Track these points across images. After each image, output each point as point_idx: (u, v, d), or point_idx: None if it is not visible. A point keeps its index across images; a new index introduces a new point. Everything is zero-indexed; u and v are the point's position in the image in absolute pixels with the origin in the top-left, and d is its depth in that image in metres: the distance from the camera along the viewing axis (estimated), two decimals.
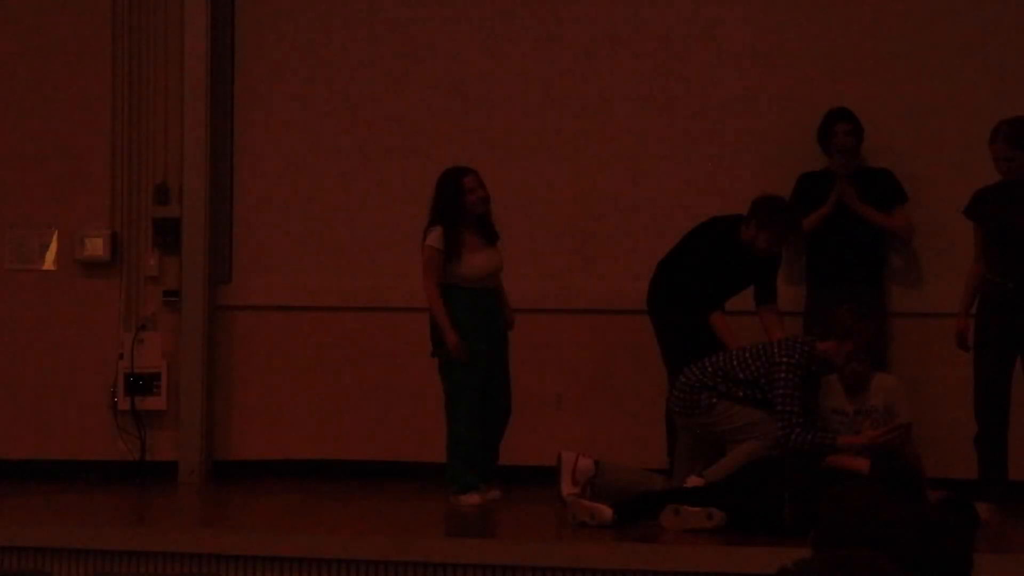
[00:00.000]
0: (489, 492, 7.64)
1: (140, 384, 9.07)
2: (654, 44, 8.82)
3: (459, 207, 7.57)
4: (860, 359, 7.09)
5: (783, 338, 7.31)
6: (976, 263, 7.43)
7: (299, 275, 9.08)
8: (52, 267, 9.23)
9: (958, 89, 8.51)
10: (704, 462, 7.12)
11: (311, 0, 9.12)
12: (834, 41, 8.64)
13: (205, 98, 9.04)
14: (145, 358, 9.09)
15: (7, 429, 9.14)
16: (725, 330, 7.67)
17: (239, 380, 9.13)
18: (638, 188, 8.77)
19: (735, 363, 7.15)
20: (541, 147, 8.86)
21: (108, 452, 9.10)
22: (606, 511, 6.70)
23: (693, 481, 6.96)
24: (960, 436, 7.53)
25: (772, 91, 8.68)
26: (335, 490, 8.44)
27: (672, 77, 8.80)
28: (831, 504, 3.21)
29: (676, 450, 7.51)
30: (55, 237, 9.21)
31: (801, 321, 8.13)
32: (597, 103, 8.83)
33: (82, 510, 7.77)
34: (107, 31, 9.17)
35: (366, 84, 9.09)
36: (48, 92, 9.21)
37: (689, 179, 8.72)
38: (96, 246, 9.12)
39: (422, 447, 8.82)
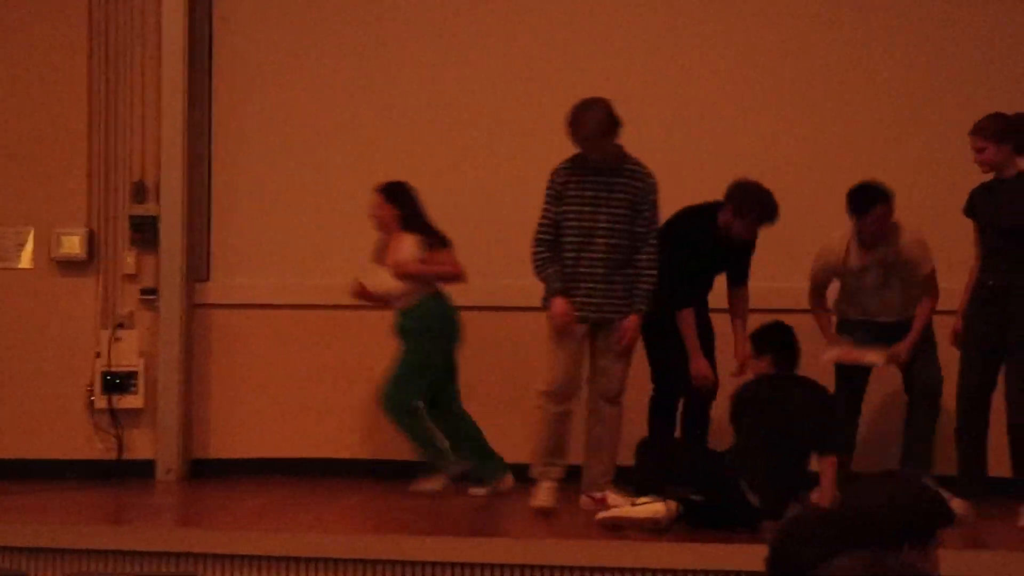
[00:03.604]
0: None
1: (117, 383, 9.05)
2: (650, 42, 8.84)
3: (422, 215, 7.91)
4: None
5: None
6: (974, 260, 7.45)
7: (277, 273, 9.06)
8: (29, 266, 9.19)
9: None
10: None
11: None
12: (838, 42, 8.67)
13: (182, 96, 9.01)
14: (122, 356, 9.06)
15: None
16: (690, 329, 7.69)
17: (217, 378, 9.11)
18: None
19: None
20: (524, 145, 8.84)
21: (85, 451, 9.07)
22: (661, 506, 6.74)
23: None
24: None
25: (771, 90, 8.69)
26: (313, 488, 8.43)
27: (671, 75, 8.81)
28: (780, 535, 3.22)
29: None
30: (31, 235, 9.17)
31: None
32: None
33: (59, 509, 7.72)
34: (84, 29, 9.13)
35: (345, 82, 9.07)
36: (24, 90, 9.17)
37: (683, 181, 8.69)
38: (73, 244, 9.09)
39: (402, 445, 8.82)
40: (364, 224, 8.96)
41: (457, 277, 7.99)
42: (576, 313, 7.40)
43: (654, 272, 7.44)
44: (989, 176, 7.35)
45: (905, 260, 7.62)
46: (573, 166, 7.45)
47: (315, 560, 6.48)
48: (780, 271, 8.32)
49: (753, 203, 7.64)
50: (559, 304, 7.38)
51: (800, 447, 7.12)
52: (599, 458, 7.51)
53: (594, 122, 7.26)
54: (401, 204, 8.02)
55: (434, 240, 7.97)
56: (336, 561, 6.47)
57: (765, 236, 7.94)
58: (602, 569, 6.28)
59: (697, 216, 7.80)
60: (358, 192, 9.01)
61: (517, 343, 8.60)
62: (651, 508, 6.71)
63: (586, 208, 7.38)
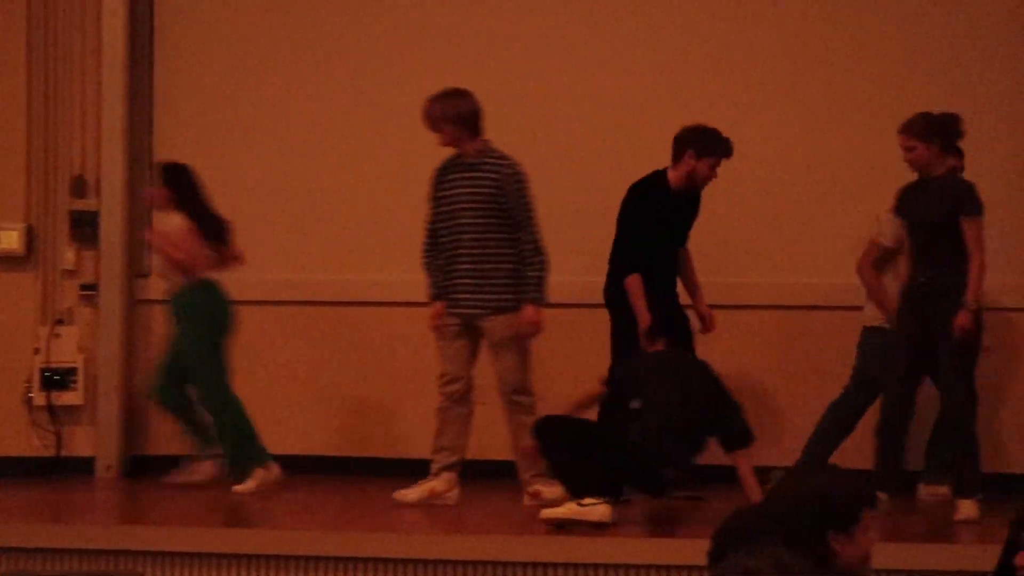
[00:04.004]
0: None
1: (56, 379, 8.98)
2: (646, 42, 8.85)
3: (199, 199, 8.05)
4: None
5: None
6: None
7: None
8: None
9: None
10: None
11: None
12: (835, 39, 8.71)
13: (123, 89, 8.95)
14: (61, 353, 8.99)
15: None
16: (638, 294, 7.64)
17: None
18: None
19: None
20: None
21: (23, 448, 8.99)
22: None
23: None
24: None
25: (769, 90, 8.73)
26: None
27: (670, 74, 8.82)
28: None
29: None
30: None
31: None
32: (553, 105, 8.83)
33: None
34: (23, 22, 9.04)
35: (290, 75, 9.03)
36: None
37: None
38: (11, 239, 9.01)
39: (341, 440, 8.82)
40: (306, 218, 8.96)
41: (192, 269, 7.92)
42: (451, 311, 7.50)
43: (537, 259, 7.44)
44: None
45: None
46: (443, 166, 7.58)
47: (255, 557, 6.46)
48: (781, 268, 8.54)
49: (712, 140, 7.70)
50: (432, 308, 7.55)
51: (700, 425, 7.17)
52: (516, 455, 7.56)
53: (439, 107, 7.43)
54: (176, 186, 8.01)
55: (208, 226, 7.95)
56: (276, 558, 6.45)
57: (767, 234, 8.14)
58: (555, 565, 6.33)
59: (643, 185, 7.81)
60: (301, 186, 9.00)
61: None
62: (599, 511, 6.72)
63: (453, 206, 7.49)
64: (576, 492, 6.84)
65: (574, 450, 7.01)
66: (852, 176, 8.56)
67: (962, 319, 7.10)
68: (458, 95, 7.49)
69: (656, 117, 8.57)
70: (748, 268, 8.63)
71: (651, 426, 7.01)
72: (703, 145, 7.70)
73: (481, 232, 7.42)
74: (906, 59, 8.65)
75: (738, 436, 7.21)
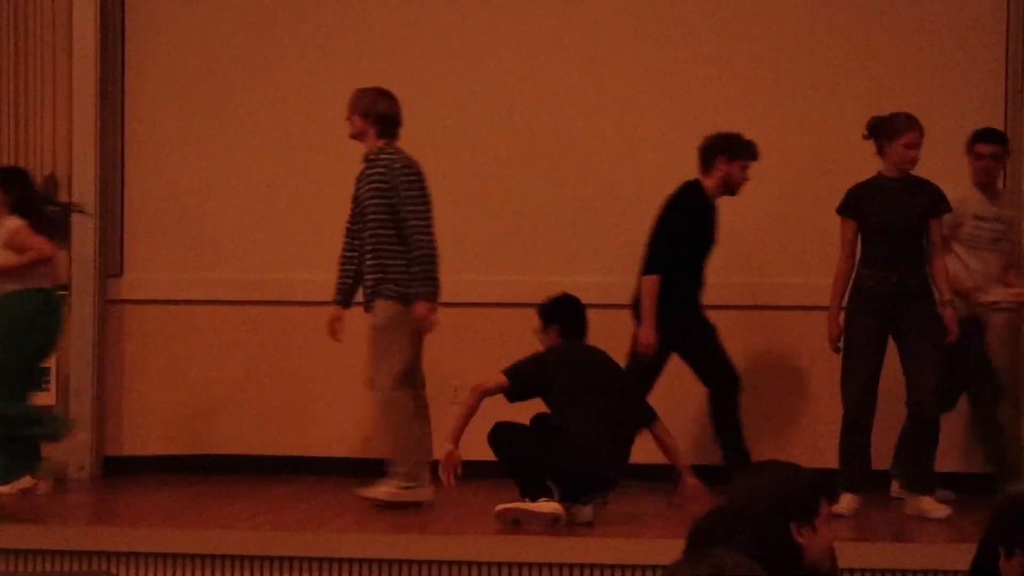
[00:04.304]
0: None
1: None
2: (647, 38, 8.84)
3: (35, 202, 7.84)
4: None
5: None
6: (843, 262, 7.50)
7: (190, 269, 9.00)
8: None
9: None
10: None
11: None
12: (837, 40, 8.72)
13: (95, 87, 8.91)
14: None
15: None
16: (650, 297, 7.71)
17: (130, 375, 9.02)
18: (625, 183, 8.74)
19: None
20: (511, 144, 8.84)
21: None
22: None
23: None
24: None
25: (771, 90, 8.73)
26: (228, 486, 8.38)
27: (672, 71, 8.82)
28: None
29: None
30: None
31: None
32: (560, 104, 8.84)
33: None
34: None
35: (261, 75, 9.02)
36: None
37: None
38: None
39: (317, 440, 8.81)
40: (278, 218, 8.95)
41: (48, 260, 7.76)
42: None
43: (421, 252, 7.44)
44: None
45: None
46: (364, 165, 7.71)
47: (228, 557, 6.46)
48: (784, 268, 8.57)
49: (739, 143, 7.83)
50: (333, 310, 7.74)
51: (619, 414, 7.19)
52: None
53: (356, 96, 7.60)
54: (8, 189, 7.86)
55: (45, 228, 7.83)
56: (248, 558, 6.45)
57: (773, 232, 8.26)
58: (508, 565, 6.35)
59: (680, 196, 7.85)
60: (273, 186, 8.98)
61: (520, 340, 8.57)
62: (551, 505, 6.84)
63: (359, 204, 7.60)
64: (533, 495, 6.91)
65: (527, 455, 7.02)
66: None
67: (952, 316, 7.30)
68: (380, 93, 7.63)
69: (654, 117, 8.66)
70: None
71: (577, 423, 7.04)
72: (732, 149, 7.81)
73: (377, 227, 7.49)
74: (907, 58, 8.69)
75: (649, 409, 7.29)
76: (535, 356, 7.37)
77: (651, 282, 7.76)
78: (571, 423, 7.03)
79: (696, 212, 7.86)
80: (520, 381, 7.19)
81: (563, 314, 7.49)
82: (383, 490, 7.36)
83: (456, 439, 7.04)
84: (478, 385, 7.17)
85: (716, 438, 7.93)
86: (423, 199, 7.48)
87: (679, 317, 7.79)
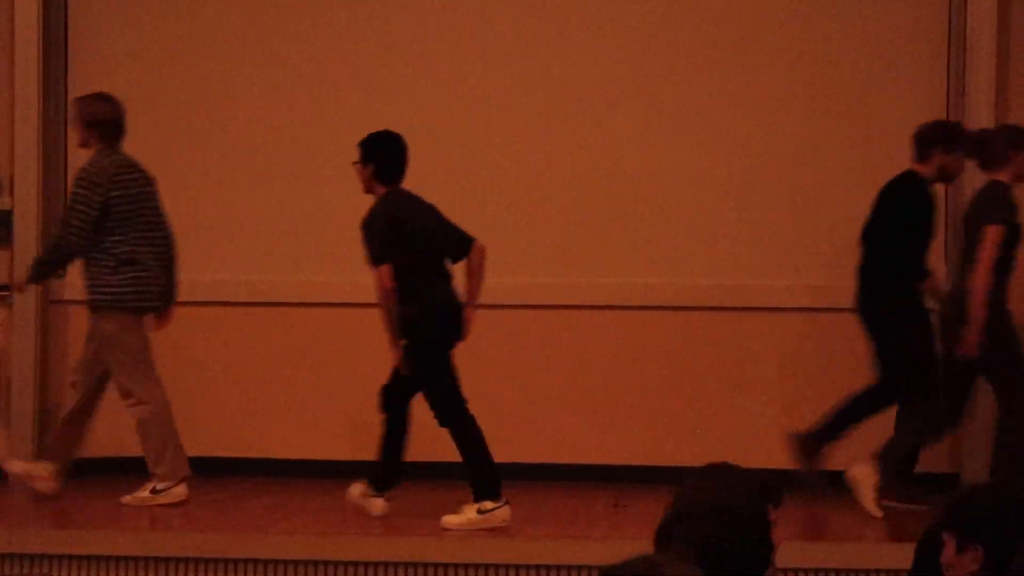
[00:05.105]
0: None
1: None
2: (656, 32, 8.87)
3: None
4: None
5: None
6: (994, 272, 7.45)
7: None
8: None
9: None
10: None
11: None
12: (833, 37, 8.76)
13: (37, 87, 8.87)
14: None
15: None
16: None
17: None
18: (642, 183, 8.76)
19: None
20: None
21: None
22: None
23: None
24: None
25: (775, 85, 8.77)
26: None
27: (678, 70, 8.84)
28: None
29: None
30: None
31: None
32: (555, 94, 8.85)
33: None
34: None
35: (212, 70, 9.00)
36: None
37: (689, 178, 8.75)
38: None
39: (261, 441, 8.80)
40: (225, 217, 8.93)
41: None
42: None
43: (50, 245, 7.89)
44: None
45: None
46: None
47: (172, 560, 6.44)
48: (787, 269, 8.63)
49: (948, 127, 7.72)
50: None
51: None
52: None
53: (77, 106, 7.81)
54: None
55: None
56: (195, 560, 6.43)
57: (773, 232, 8.36)
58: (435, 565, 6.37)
59: (904, 188, 7.64)
60: (218, 185, 8.97)
61: (522, 341, 8.58)
62: (500, 515, 6.88)
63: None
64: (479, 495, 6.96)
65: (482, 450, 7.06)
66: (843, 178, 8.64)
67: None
68: (99, 99, 7.77)
69: (652, 118, 8.69)
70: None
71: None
72: (947, 138, 7.64)
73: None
74: (906, 59, 8.74)
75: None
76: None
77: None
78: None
79: (929, 203, 7.60)
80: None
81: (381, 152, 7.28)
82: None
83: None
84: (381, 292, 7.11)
85: (833, 414, 7.72)
86: (84, 203, 7.62)
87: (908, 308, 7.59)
